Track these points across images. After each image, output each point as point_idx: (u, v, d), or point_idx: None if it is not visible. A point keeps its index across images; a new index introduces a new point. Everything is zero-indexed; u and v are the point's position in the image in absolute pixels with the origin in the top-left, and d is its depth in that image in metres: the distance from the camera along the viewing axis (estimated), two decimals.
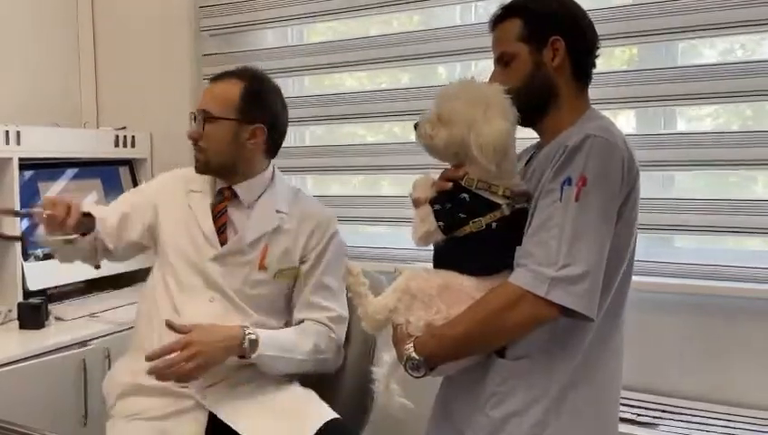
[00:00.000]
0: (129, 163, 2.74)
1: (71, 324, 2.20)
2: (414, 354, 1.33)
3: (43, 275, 2.30)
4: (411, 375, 1.34)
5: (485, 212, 1.34)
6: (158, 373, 1.58)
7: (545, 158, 1.37)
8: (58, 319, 2.22)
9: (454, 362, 1.37)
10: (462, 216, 1.34)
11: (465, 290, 1.34)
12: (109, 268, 2.27)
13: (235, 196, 1.80)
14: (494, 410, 1.36)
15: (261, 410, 1.66)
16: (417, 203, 1.40)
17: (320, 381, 1.81)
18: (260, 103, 1.77)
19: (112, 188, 2.61)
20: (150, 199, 1.86)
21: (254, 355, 1.65)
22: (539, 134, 1.47)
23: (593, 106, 1.45)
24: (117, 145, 2.64)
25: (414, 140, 1.42)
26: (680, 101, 2.03)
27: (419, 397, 1.43)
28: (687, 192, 2.11)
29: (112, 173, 2.68)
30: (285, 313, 1.84)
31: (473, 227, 1.34)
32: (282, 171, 1.92)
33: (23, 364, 1.90)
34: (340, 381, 1.85)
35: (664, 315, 1.98)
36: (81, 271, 2.04)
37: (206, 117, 1.74)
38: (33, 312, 2.14)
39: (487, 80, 1.43)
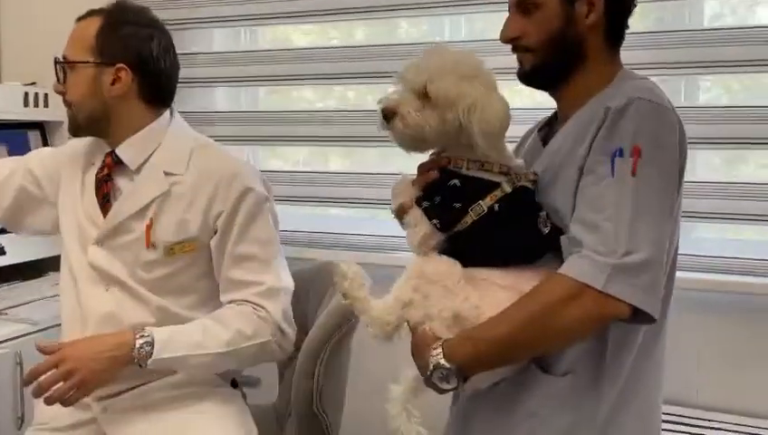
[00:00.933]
0: (40, 126, 2.33)
1: None
2: (443, 362, 1.12)
3: None
4: (437, 389, 1.14)
5: (484, 194, 1.16)
6: (39, 397, 1.38)
7: (578, 126, 1.19)
8: None
9: (490, 371, 1.18)
10: (457, 205, 1.16)
11: (490, 280, 1.17)
12: (14, 255, 2.02)
13: (120, 160, 1.52)
14: (527, 425, 1.19)
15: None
16: (402, 211, 1.22)
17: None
18: (119, 38, 1.49)
19: None
20: (52, 180, 1.61)
21: (149, 361, 1.42)
22: (558, 102, 1.30)
23: None
24: (26, 104, 2.24)
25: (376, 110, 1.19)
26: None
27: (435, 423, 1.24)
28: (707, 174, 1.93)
29: (20, 139, 2.26)
30: (211, 300, 1.55)
31: (473, 214, 1.16)
32: (230, 142, 1.71)
33: None
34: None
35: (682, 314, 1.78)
36: None
37: (64, 64, 1.51)
38: None
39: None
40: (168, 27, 1.58)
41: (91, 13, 1.52)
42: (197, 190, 1.50)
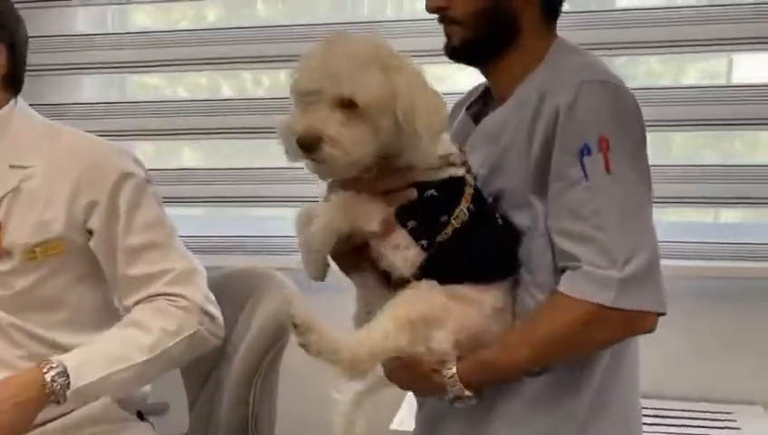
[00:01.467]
0: None
1: None
2: (466, 392, 1.06)
3: None
4: (453, 404, 1.09)
5: (458, 196, 1.04)
6: None
7: (516, 109, 1.10)
8: None
9: None
10: (443, 218, 1.03)
11: (470, 297, 1.05)
12: None
13: None
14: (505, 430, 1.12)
15: None
16: (385, 234, 1.04)
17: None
18: None
19: None
20: None
21: (69, 393, 1.23)
22: (489, 79, 1.21)
23: None
24: None
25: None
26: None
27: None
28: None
29: None
30: (91, 320, 1.38)
31: (456, 223, 1.04)
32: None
33: None
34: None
35: None
36: None
37: None
38: None
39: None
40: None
41: None
42: (55, 183, 1.33)
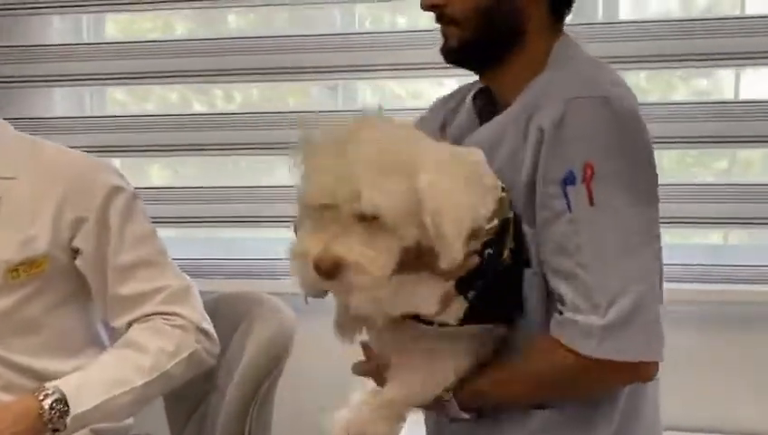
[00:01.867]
0: None
1: None
2: (464, 415, 1.03)
3: None
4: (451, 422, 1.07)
5: (505, 238, 0.95)
6: None
7: (513, 119, 1.02)
8: None
9: None
10: (502, 262, 0.94)
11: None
12: None
13: None
14: None
15: None
16: (443, 309, 0.94)
17: None
18: None
19: None
20: None
21: (68, 419, 1.19)
22: (491, 85, 1.12)
23: None
24: None
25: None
26: None
27: None
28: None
29: None
30: (74, 348, 1.34)
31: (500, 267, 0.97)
32: None
33: None
34: None
35: None
36: None
37: None
38: None
39: None
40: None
41: None
42: (41, 197, 1.29)
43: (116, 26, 2.13)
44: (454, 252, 0.87)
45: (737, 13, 1.85)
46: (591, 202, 0.94)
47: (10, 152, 1.32)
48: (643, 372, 0.98)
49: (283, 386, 1.44)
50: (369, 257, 0.82)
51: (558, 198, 0.95)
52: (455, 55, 1.08)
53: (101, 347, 1.35)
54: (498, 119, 1.06)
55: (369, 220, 0.83)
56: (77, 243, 1.30)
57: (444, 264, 0.88)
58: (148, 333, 1.29)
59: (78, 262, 1.30)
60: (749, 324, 1.78)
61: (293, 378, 1.48)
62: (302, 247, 0.84)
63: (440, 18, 1.07)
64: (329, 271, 0.82)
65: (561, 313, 0.97)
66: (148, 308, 1.30)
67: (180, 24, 2.12)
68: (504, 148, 1.02)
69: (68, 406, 1.19)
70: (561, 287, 0.97)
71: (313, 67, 1.88)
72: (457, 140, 1.08)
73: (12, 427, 1.17)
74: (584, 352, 0.94)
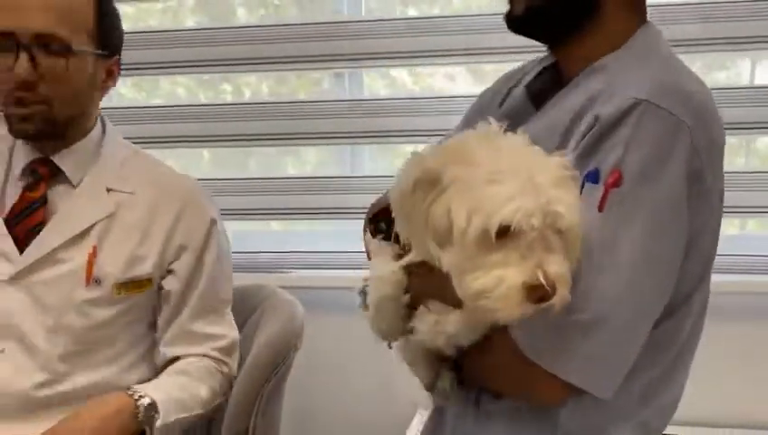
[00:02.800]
0: None
1: None
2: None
3: None
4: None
5: None
6: None
7: (571, 100, 0.95)
8: None
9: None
10: None
11: None
12: None
13: (57, 171, 1.28)
14: None
15: None
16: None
17: None
18: (115, 24, 1.31)
19: None
20: None
21: (157, 425, 1.21)
22: (559, 58, 1.04)
23: None
24: None
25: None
26: None
27: None
28: None
29: None
30: (145, 365, 1.34)
31: None
32: None
33: None
34: None
35: None
36: None
37: (59, 48, 1.20)
38: None
39: None
40: None
41: None
42: (155, 216, 1.29)
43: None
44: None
45: None
46: (601, 208, 0.87)
47: (129, 165, 1.32)
48: (549, 392, 0.90)
49: (293, 379, 1.44)
50: (565, 268, 0.81)
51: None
52: (519, 23, 1.01)
53: (150, 365, 1.35)
54: (553, 105, 0.99)
55: (558, 234, 0.80)
56: (174, 266, 1.30)
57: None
58: (204, 371, 1.32)
59: (165, 282, 1.30)
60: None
61: (303, 371, 1.48)
62: (512, 281, 0.79)
63: None
64: (547, 294, 0.79)
65: None
66: (204, 348, 1.33)
67: (190, 16, 2.12)
68: (560, 124, 0.95)
69: (158, 413, 1.21)
70: None
71: (319, 56, 1.86)
72: (511, 124, 0.98)
73: (115, 417, 1.19)
74: (518, 343, 0.88)
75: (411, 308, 0.96)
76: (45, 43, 1.19)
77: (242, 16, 2.06)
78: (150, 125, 1.95)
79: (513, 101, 1.07)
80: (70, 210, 1.27)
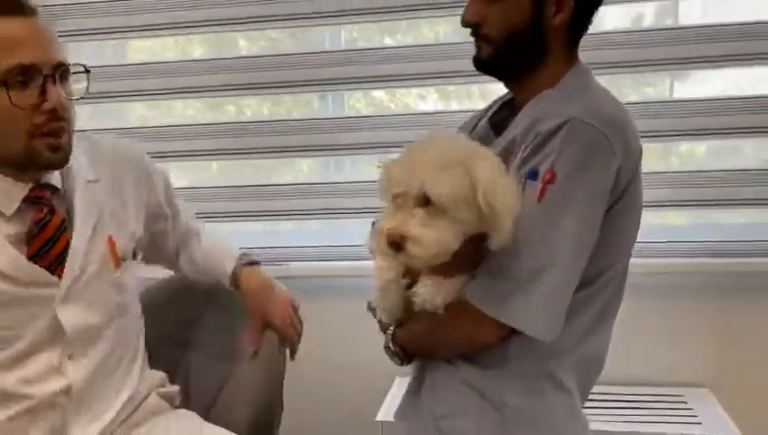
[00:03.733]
0: None
1: None
2: (390, 344, 1.19)
3: None
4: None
5: None
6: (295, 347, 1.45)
7: (518, 124, 1.11)
8: None
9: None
10: None
11: None
12: None
13: (55, 190, 1.25)
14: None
15: None
16: None
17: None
18: None
19: None
20: None
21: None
22: (513, 92, 1.21)
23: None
24: None
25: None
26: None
27: None
28: None
29: None
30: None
31: None
32: None
33: None
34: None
35: None
36: None
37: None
38: None
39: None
40: None
41: None
42: (123, 190, 1.33)
43: (137, 51, 2.19)
44: (504, 226, 0.98)
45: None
46: (540, 198, 1.01)
47: (85, 153, 1.29)
48: (485, 331, 1.06)
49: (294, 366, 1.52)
50: (425, 233, 0.96)
51: (519, 185, 1.03)
52: (484, 67, 1.15)
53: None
54: (509, 130, 1.12)
55: (430, 205, 0.97)
56: (156, 211, 1.40)
57: (496, 239, 0.99)
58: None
59: (156, 225, 1.41)
60: None
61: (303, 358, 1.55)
62: (380, 226, 1.00)
63: (475, 33, 1.14)
64: (395, 244, 0.97)
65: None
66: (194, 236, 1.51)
67: (198, 47, 2.18)
68: (515, 157, 1.09)
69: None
70: (490, 254, 1.06)
71: (309, 80, 1.97)
72: None
73: (270, 286, 1.45)
74: (472, 302, 1.04)
75: (408, 287, 1.11)
76: (64, 71, 1.17)
77: (243, 47, 2.14)
78: (166, 142, 2.06)
79: (480, 130, 1.23)
80: (77, 214, 1.24)
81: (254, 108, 2.20)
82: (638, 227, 1.16)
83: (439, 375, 1.17)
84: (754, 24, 1.78)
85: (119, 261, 1.29)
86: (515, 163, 1.07)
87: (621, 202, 1.08)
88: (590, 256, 1.07)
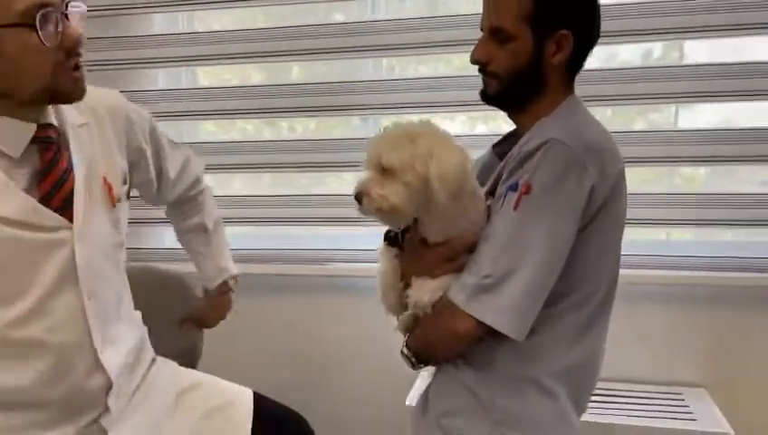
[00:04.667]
0: None
1: None
2: (404, 350, 1.25)
3: None
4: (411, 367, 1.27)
5: None
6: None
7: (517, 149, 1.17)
8: None
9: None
10: None
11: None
12: None
13: (52, 128, 1.21)
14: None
15: (183, 414, 1.39)
16: None
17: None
18: None
19: None
20: None
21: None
22: (515, 122, 1.27)
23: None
24: None
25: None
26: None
27: None
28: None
29: None
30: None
31: None
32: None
33: None
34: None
35: None
36: None
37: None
38: None
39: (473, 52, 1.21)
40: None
41: None
42: (108, 134, 1.31)
43: (205, 76, 2.36)
44: (437, 188, 1.08)
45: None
46: (515, 207, 1.08)
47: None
48: (463, 326, 1.10)
49: (304, 351, 1.72)
50: (376, 191, 1.12)
51: (500, 197, 1.12)
52: (491, 100, 1.22)
53: None
54: (509, 156, 1.17)
55: (384, 172, 1.12)
56: (141, 161, 1.40)
57: (438, 198, 1.08)
58: (205, 214, 1.64)
59: (139, 171, 1.41)
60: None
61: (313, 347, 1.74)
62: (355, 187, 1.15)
63: (483, 71, 1.20)
64: (358, 198, 1.14)
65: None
66: (191, 178, 1.59)
67: (257, 74, 2.33)
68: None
69: (235, 276, 1.65)
70: (471, 258, 1.13)
71: (351, 105, 2.12)
72: (485, 175, 1.25)
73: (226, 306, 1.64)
74: (454, 301, 1.10)
75: (405, 289, 1.21)
76: (67, 5, 1.10)
77: (295, 74, 2.30)
78: (228, 155, 2.23)
79: (487, 157, 1.33)
80: (76, 163, 1.21)
81: (304, 127, 2.32)
82: (614, 247, 1.19)
83: (443, 377, 1.24)
84: (755, 63, 1.87)
85: (114, 200, 1.27)
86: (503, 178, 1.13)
87: (596, 222, 1.12)
88: (565, 271, 1.11)
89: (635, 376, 1.97)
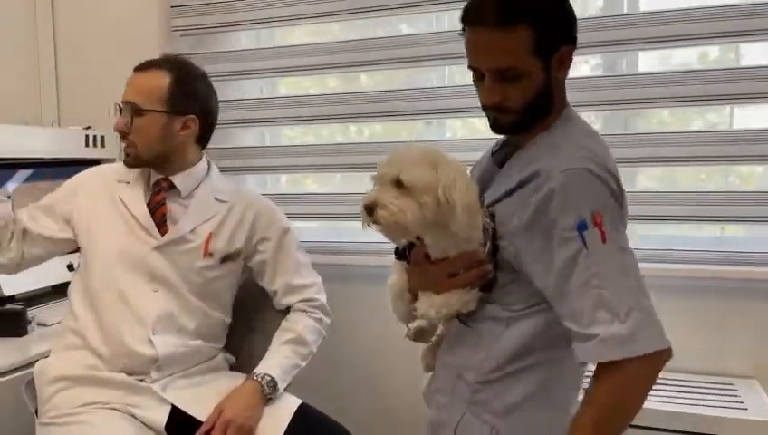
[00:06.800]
0: (97, 163, 2.47)
1: (55, 329, 1.90)
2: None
3: (14, 279, 1.99)
4: None
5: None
6: None
7: (522, 163, 1.18)
8: (41, 325, 1.98)
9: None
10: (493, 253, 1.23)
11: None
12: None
13: (172, 186, 1.68)
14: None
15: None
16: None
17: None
18: (190, 93, 1.61)
19: None
20: (69, 194, 1.71)
21: (276, 395, 1.61)
22: (519, 139, 1.25)
23: None
24: (87, 145, 2.41)
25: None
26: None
27: None
28: None
29: None
30: (229, 308, 1.77)
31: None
32: (258, 171, 2.03)
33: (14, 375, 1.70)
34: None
35: None
36: (52, 275, 1.96)
37: (134, 110, 1.57)
38: (15, 319, 1.91)
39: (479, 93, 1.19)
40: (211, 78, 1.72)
41: (155, 65, 1.59)
42: (245, 214, 1.73)
43: (286, 86, 2.50)
44: (459, 216, 1.10)
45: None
46: (604, 240, 1.04)
47: (223, 185, 1.75)
48: (666, 356, 1.04)
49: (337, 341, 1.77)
50: (393, 203, 1.11)
51: (574, 240, 1.05)
52: (504, 131, 1.22)
53: (228, 308, 1.78)
54: (510, 165, 1.20)
55: (402, 187, 1.12)
56: (260, 247, 1.73)
57: (453, 227, 1.11)
58: (306, 328, 1.71)
59: (257, 257, 1.73)
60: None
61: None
62: (363, 198, 1.15)
63: (497, 109, 1.15)
64: (369, 208, 1.13)
65: (597, 336, 1.03)
66: (300, 297, 1.75)
67: (331, 83, 2.44)
68: (509, 184, 1.17)
69: (277, 385, 1.59)
70: (576, 305, 1.05)
71: (416, 110, 2.18)
72: (484, 182, 1.24)
73: (254, 398, 1.56)
74: (620, 357, 1.00)
75: (413, 301, 1.24)
76: (131, 106, 1.58)
77: (364, 81, 2.38)
78: (305, 157, 2.34)
79: (485, 164, 1.31)
80: (191, 213, 1.65)
81: (371, 131, 2.41)
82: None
83: (439, 365, 1.31)
84: None
85: (208, 252, 1.65)
86: (530, 209, 1.11)
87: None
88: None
89: (689, 367, 1.98)
